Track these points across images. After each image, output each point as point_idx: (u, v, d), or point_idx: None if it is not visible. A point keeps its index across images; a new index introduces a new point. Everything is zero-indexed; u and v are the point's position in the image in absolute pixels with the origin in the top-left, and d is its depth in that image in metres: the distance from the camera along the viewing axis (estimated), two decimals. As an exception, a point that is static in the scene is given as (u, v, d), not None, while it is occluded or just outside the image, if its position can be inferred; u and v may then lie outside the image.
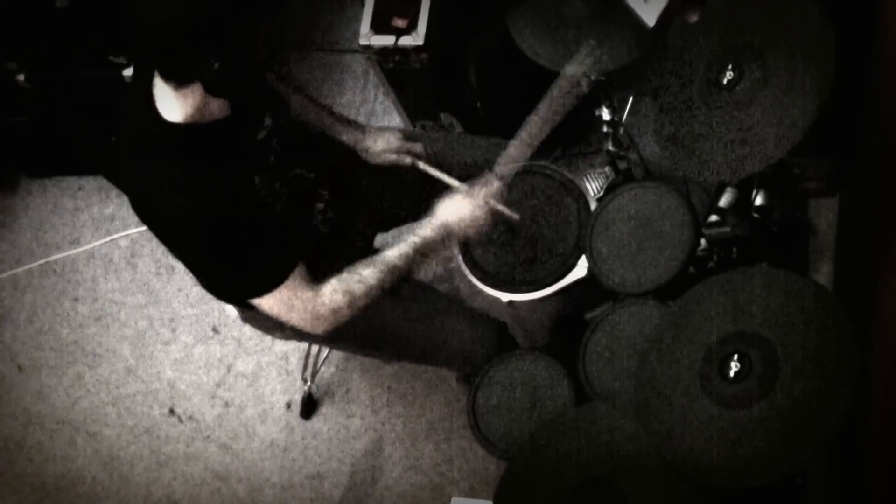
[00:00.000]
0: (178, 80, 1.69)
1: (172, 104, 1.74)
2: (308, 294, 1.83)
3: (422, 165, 2.15)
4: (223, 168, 1.77)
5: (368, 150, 2.18)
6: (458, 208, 1.94)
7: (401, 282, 1.94)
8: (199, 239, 1.77)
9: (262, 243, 1.80)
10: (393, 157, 2.17)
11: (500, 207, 1.99)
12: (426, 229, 1.92)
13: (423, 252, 1.92)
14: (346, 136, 2.18)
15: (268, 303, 1.83)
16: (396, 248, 1.90)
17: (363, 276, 1.87)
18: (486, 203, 1.96)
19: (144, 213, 1.84)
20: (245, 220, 1.78)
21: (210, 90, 1.71)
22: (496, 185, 1.99)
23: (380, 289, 1.89)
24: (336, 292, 1.85)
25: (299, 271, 1.82)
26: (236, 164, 1.81)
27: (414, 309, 2.20)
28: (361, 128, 2.20)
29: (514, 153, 2.04)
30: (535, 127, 2.02)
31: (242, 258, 1.79)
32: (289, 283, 1.80)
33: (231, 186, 1.77)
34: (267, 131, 1.89)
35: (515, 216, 2.03)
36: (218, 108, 1.77)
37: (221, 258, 1.79)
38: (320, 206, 2.04)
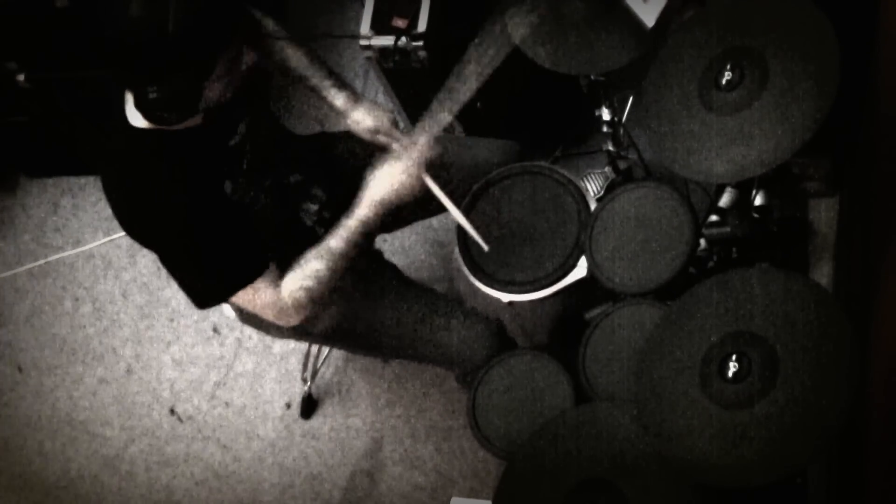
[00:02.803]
0: (128, 88, 1.73)
1: (135, 112, 1.76)
2: (270, 294, 1.88)
3: (428, 181, 2.03)
4: (189, 173, 1.79)
5: (357, 123, 2.12)
6: (388, 179, 1.92)
7: (355, 260, 1.96)
8: (166, 242, 1.82)
9: (226, 247, 1.84)
10: (379, 138, 2.10)
11: (430, 182, 1.95)
12: (362, 208, 1.91)
13: (365, 231, 1.93)
14: (338, 101, 2.13)
15: (236, 301, 1.90)
16: (337, 234, 1.92)
17: (315, 270, 1.91)
18: (416, 167, 1.93)
19: (122, 217, 1.86)
20: (210, 225, 1.80)
21: (145, 115, 1.74)
22: (421, 145, 1.95)
23: (334, 276, 1.93)
24: (294, 290, 1.90)
25: (270, 271, 1.88)
26: (204, 170, 1.82)
27: (414, 309, 2.20)
28: (356, 97, 2.14)
29: (437, 109, 2.00)
30: (456, 81, 1.99)
31: (206, 261, 1.84)
32: (252, 285, 1.86)
33: (197, 192, 1.79)
34: (240, 137, 1.91)
35: (440, 193, 1.99)
36: (208, 98, 1.76)
37: (187, 261, 1.84)
38: (314, 206, 2.04)
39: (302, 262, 1.92)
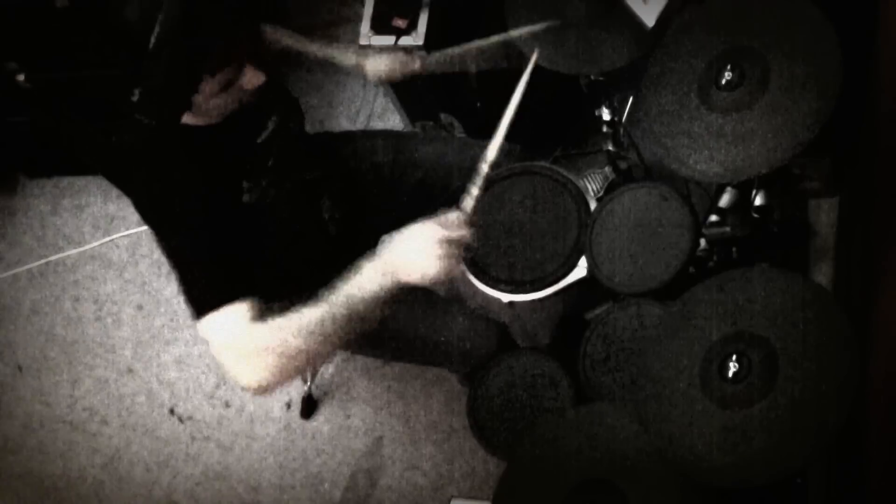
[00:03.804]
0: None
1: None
2: (240, 328, 1.60)
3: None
4: (212, 167, 1.71)
5: (376, 70, 2.18)
6: (407, 250, 1.61)
7: (354, 332, 1.64)
8: (178, 237, 1.71)
9: (227, 253, 1.67)
10: (398, 75, 2.18)
11: (457, 267, 1.65)
12: (380, 275, 1.62)
13: (368, 306, 1.62)
14: (346, 59, 2.19)
15: (202, 326, 1.64)
16: (339, 300, 1.61)
17: (317, 319, 1.61)
18: (442, 250, 1.60)
19: (141, 207, 1.81)
20: (220, 225, 1.68)
21: (132, 116, 1.63)
22: (456, 228, 1.62)
23: (317, 350, 1.62)
24: (272, 332, 1.60)
25: (253, 300, 1.62)
26: (223, 167, 1.75)
27: (414, 309, 2.20)
28: (362, 50, 2.22)
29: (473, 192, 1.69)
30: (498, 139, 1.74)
31: (207, 264, 1.66)
32: (237, 305, 1.61)
33: (217, 188, 1.70)
34: (269, 134, 1.87)
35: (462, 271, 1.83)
36: (210, 111, 1.72)
37: (190, 259, 1.70)
38: (328, 203, 2.04)
39: (296, 313, 1.62)
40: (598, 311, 2.05)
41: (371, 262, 1.63)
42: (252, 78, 1.68)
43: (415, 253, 1.60)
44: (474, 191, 1.67)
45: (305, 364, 1.63)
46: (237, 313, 1.61)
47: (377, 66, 2.18)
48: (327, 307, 1.61)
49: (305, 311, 1.61)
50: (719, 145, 1.78)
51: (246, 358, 1.60)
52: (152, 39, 1.53)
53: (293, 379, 1.66)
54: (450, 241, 1.60)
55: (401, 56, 2.18)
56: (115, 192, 3.43)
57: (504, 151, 2.16)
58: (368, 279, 1.62)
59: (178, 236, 1.70)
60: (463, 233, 1.62)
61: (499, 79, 2.21)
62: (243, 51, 1.65)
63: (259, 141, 1.86)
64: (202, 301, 1.62)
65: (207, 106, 1.69)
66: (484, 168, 1.68)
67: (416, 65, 2.18)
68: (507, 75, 2.03)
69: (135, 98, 1.57)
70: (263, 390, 1.61)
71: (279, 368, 1.59)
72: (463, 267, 2.16)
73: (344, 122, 3.25)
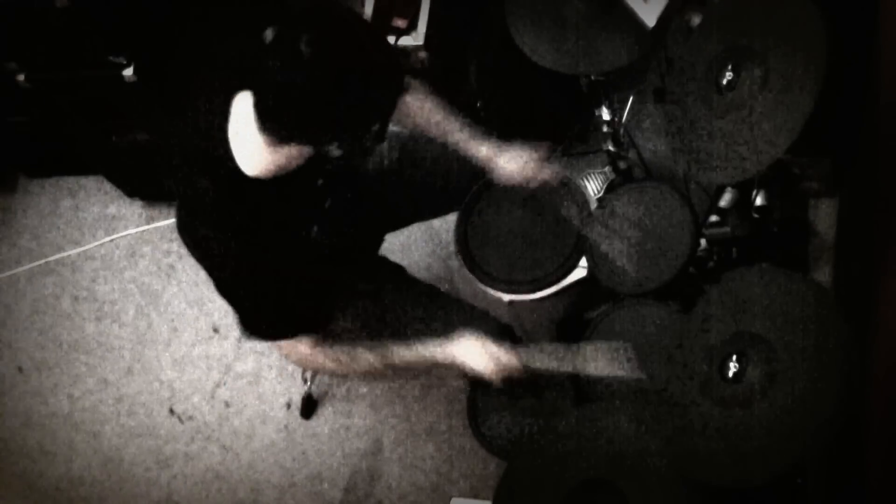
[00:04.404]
0: (279, 138, 1.58)
1: (253, 154, 1.64)
2: (306, 348, 1.89)
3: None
4: (280, 221, 1.73)
5: (502, 171, 2.06)
6: (471, 355, 1.92)
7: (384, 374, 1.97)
8: (242, 282, 1.77)
9: (299, 296, 1.82)
10: (531, 179, 2.07)
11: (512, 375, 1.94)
12: (437, 354, 1.94)
13: (419, 367, 1.96)
14: (481, 153, 2.05)
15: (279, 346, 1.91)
16: (406, 351, 1.93)
17: (367, 361, 1.93)
18: (500, 368, 1.91)
19: (190, 239, 1.78)
20: (288, 271, 1.76)
21: (317, 167, 1.67)
22: (516, 360, 1.92)
23: (370, 372, 1.95)
24: (335, 361, 1.92)
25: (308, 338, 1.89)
26: (290, 212, 1.76)
27: (415, 308, 2.20)
28: (495, 144, 2.06)
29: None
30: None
31: (276, 306, 1.81)
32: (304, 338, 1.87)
33: (285, 238, 1.74)
34: (325, 176, 1.82)
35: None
36: (294, 161, 1.66)
37: (257, 303, 1.81)
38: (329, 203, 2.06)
39: (357, 345, 1.93)
40: (598, 311, 2.05)
41: (439, 345, 1.94)
42: None
43: (471, 356, 1.92)
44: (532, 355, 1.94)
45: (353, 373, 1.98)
46: (301, 344, 1.88)
47: (509, 164, 2.06)
48: (384, 353, 1.93)
49: (369, 344, 1.94)
50: (719, 145, 1.78)
51: (309, 364, 1.96)
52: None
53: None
54: (499, 362, 1.91)
55: (532, 161, 2.04)
56: (115, 192, 3.46)
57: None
58: (429, 353, 1.94)
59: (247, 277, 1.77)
60: (513, 364, 1.91)
61: (499, 79, 2.22)
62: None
63: (319, 184, 1.82)
64: (286, 332, 1.87)
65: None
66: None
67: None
68: (508, 76, 2.03)
69: (333, 151, 1.59)
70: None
71: (333, 371, 1.97)
72: (461, 264, 2.16)
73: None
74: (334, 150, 1.58)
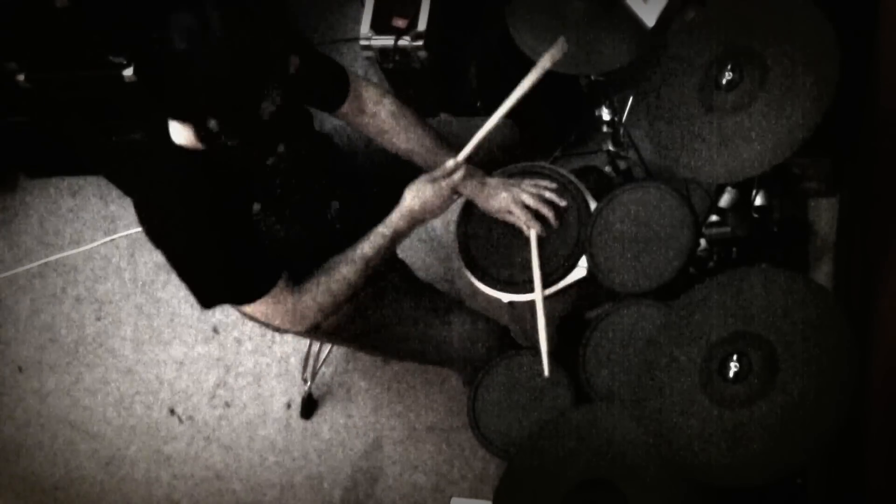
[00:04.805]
0: (181, 119, 1.74)
1: (178, 130, 1.78)
2: (290, 300, 1.91)
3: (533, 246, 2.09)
4: (222, 193, 1.80)
5: (483, 204, 2.11)
6: (423, 196, 1.96)
7: (376, 270, 2.00)
8: (189, 250, 1.83)
9: (249, 259, 1.85)
10: (506, 216, 2.11)
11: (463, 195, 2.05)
12: (396, 218, 1.96)
13: (394, 239, 1.98)
14: (468, 189, 2.09)
15: (251, 310, 1.91)
16: (369, 240, 1.95)
17: (343, 275, 1.94)
18: (449, 190, 1.99)
19: (143, 219, 1.86)
20: (236, 238, 1.83)
21: (204, 143, 1.74)
22: (459, 174, 1.99)
23: (360, 283, 1.97)
24: (318, 294, 1.93)
25: (282, 280, 1.89)
26: (237, 190, 1.83)
27: (415, 308, 2.20)
28: (480, 175, 2.11)
29: (477, 140, 2.03)
30: (502, 109, 2.00)
31: (229, 272, 1.85)
32: (272, 292, 1.87)
33: (228, 210, 1.81)
34: (277, 158, 1.92)
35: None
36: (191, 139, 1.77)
37: (209, 270, 1.85)
38: (336, 204, 2.05)
39: (329, 267, 1.95)
40: (598, 311, 2.05)
41: (393, 213, 1.97)
42: (293, 66, 1.77)
43: (421, 197, 1.96)
44: (470, 145, 1.99)
45: (352, 293, 1.97)
46: (281, 290, 1.88)
47: (487, 202, 2.11)
48: (353, 257, 1.94)
49: (340, 256, 1.95)
50: (719, 145, 1.78)
51: (303, 315, 1.94)
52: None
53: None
54: (443, 182, 1.97)
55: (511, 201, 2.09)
56: (115, 192, 3.46)
57: (508, 127, 2.16)
58: (392, 222, 1.96)
59: (190, 247, 1.82)
60: (454, 176, 1.98)
61: (499, 79, 2.21)
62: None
63: (268, 164, 1.91)
64: (245, 295, 1.89)
65: (267, 111, 1.74)
66: (483, 129, 2.00)
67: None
68: (508, 76, 2.04)
69: (210, 125, 1.69)
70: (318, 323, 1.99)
71: (335, 304, 1.96)
72: (460, 265, 2.16)
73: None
74: (215, 127, 1.68)
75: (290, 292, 1.90)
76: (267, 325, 2.08)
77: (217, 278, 1.86)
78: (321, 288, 1.93)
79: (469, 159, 2.04)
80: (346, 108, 2.07)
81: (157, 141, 1.81)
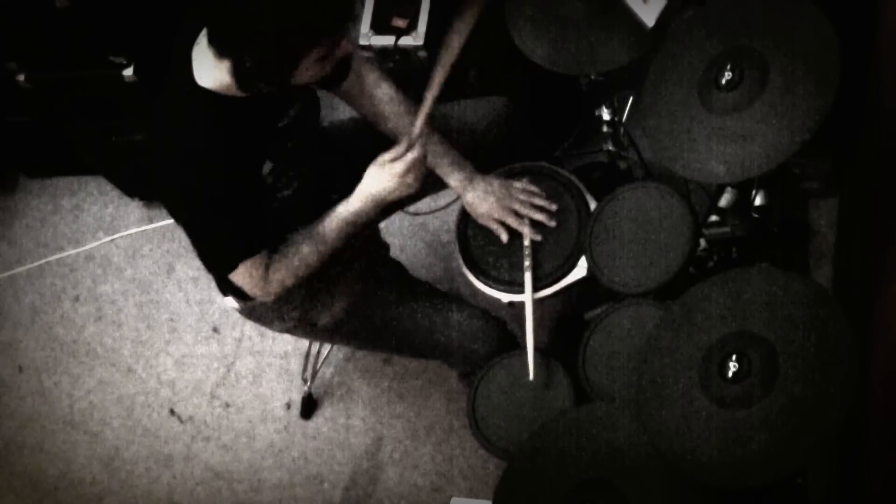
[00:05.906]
0: (219, 50, 1.75)
1: (208, 70, 1.80)
2: (260, 273, 1.96)
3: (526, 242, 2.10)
4: (238, 141, 1.84)
5: (469, 204, 2.12)
6: (378, 177, 1.95)
7: (339, 249, 2.03)
8: (192, 201, 1.87)
9: (240, 222, 1.90)
10: (489, 222, 2.12)
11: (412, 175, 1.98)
12: (354, 199, 1.97)
13: (356, 223, 1.99)
14: (452, 181, 2.11)
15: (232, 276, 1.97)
16: (328, 221, 1.98)
17: (303, 255, 1.98)
18: (404, 169, 1.94)
19: (148, 158, 1.94)
20: (237, 196, 1.86)
21: (238, 83, 1.77)
22: (413, 153, 1.94)
23: (319, 262, 2.01)
24: (280, 271, 1.98)
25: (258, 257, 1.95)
26: (251, 142, 1.87)
27: (416, 305, 2.20)
28: (470, 172, 2.11)
29: (424, 111, 1.98)
30: (436, 80, 1.97)
31: (221, 229, 1.90)
32: (247, 262, 1.93)
33: (239, 161, 1.85)
34: (289, 121, 1.95)
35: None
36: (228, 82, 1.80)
37: (207, 224, 1.90)
38: (335, 196, 2.06)
39: (291, 243, 1.98)
40: (597, 311, 2.05)
41: (352, 196, 1.98)
42: (346, 47, 1.83)
43: (377, 179, 1.95)
44: (419, 119, 1.95)
45: (309, 271, 2.02)
46: (258, 258, 1.93)
47: (474, 205, 2.11)
48: (323, 227, 1.98)
49: (303, 233, 1.99)
50: (719, 145, 1.78)
51: (266, 288, 1.99)
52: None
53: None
54: (397, 164, 1.94)
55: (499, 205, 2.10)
56: (115, 192, 3.45)
57: (491, 107, 2.22)
58: (350, 203, 1.97)
59: (196, 205, 1.88)
60: (408, 156, 1.93)
61: (499, 79, 2.22)
62: (346, 25, 1.80)
63: (280, 125, 1.94)
64: (227, 258, 1.94)
65: (301, 76, 1.79)
66: (428, 97, 1.95)
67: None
68: (508, 76, 2.04)
69: (247, 65, 1.72)
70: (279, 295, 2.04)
71: (293, 281, 2.01)
72: (460, 264, 2.16)
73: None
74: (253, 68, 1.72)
75: (260, 266, 1.95)
76: (273, 322, 2.16)
77: (208, 234, 1.92)
78: (283, 266, 1.97)
79: (456, 143, 2.06)
80: (346, 85, 2.08)
81: (180, 81, 1.84)
